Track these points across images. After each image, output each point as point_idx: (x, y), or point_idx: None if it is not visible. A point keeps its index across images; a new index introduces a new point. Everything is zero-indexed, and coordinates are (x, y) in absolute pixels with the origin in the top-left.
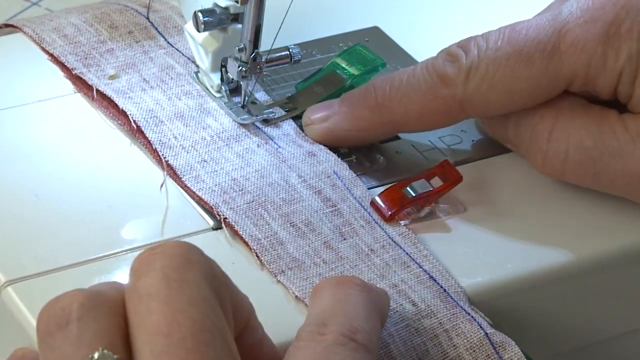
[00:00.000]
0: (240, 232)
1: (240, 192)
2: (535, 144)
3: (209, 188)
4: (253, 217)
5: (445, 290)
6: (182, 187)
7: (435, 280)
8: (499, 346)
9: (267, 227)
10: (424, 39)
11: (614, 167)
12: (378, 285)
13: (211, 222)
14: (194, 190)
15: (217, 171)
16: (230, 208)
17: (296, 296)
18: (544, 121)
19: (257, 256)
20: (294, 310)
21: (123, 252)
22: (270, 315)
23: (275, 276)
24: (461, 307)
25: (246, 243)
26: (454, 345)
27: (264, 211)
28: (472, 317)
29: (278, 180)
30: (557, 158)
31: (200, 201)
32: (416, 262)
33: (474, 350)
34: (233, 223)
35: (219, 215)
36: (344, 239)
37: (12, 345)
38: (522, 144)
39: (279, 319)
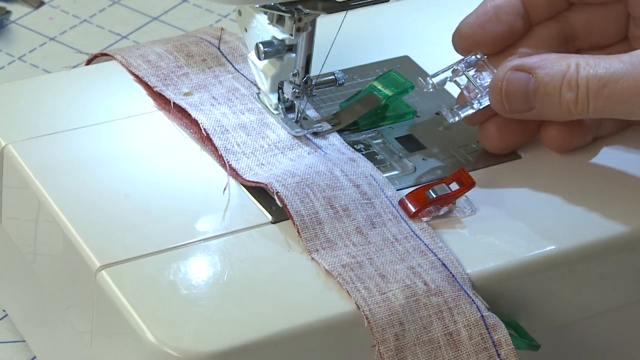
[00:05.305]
0: (289, 206)
1: (291, 175)
2: None
3: (265, 177)
4: (300, 194)
5: (453, 276)
6: (242, 184)
7: (446, 267)
8: (491, 327)
9: (310, 205)
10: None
11: None
12: (398, 267)
13: (270, 217)
14: (252, 179)
15: (272, 171)
16: (282, 185)
17: (326, 270)
18: None
19: (298, 232)
20: (324, 287)
21: (196, 242)
22: (303, 290)
23: (310, 253)
24: (465, 290)
25: (292, 218)
26: (454, 322)
27: (310, 191)
28: (472, 300)
29: (324, 171)
30: None
31: (256, 184)
32: (432, 251)
33: (470, 328)
34: (283, 197)
35: (272, 189)
36: (374, 227)
37: (104, 321)
38: None
39: (311, 293)
